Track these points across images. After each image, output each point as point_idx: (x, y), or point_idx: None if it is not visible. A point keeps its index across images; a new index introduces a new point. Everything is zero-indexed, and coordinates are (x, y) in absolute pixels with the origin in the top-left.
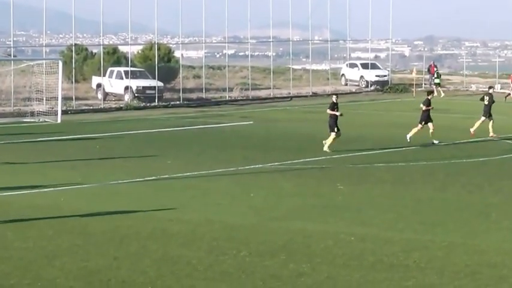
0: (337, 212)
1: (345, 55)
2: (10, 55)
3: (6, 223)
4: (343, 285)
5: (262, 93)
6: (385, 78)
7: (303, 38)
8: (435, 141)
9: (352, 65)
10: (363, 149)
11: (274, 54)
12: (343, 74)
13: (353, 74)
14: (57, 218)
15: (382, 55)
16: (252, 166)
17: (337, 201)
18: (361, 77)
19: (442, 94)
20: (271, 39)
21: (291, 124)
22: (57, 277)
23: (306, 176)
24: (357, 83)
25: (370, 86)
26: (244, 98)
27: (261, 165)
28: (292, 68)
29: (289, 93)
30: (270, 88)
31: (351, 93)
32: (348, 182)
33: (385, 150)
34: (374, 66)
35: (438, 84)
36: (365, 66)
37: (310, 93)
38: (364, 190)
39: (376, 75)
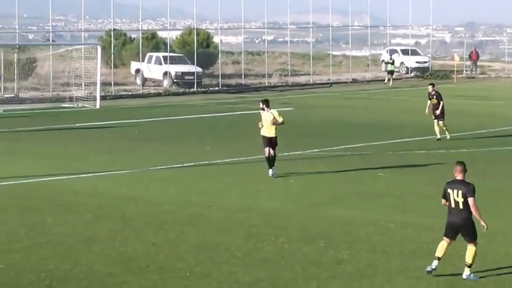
0: (377, 199)
1: (385, 41)
2: (49, 40)
3: (46, 208)
4: (383, 272)
5: (302, 79)
6: (426, 65)
7: (342, 24)
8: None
9: (393, 51)
10: (403, 135)
11: (313, 40)
12: (383, 60)
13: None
14: (96, 203)
15: (423, 41)
16: (291, 152)
17: (376, 188)
18: (402, 63)
19: (390, 83)
20: (310, 25)
21: (330, 110)
22: (95, 262)
23: (346, 162)
24: (397, 70)
25: (411, 73)
26: (284, 84)
27: (300, 152)
28: (332, 54)
29: (329, 80)
30: (309, 74)
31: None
32: (388, 169)
33: (425, 137)
34: (414, 53)
35: (391, 72)
36: (405, 52)
37: (350, 80)
38: (404, 177)
39: (417, 62)
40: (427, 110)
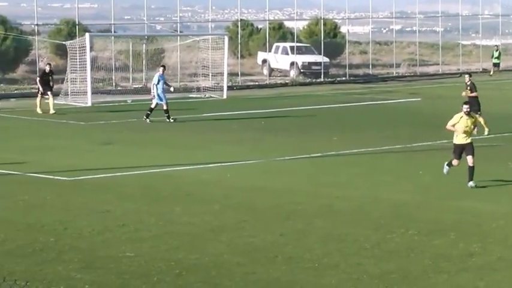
0: (509, 191)
1: None
2: (176, 31)
3: (174, 198)
4: None
5: (431, 69)
6: None
7: (472, 13)
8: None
9: None
10: None
11: (442, 29)
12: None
13: None
14: (223, 193)
15: None
16: (420, 143)
17: (508, 179)
18: None
19: (491, 72)
20: (439, 14)
21: (459, 101)
22: (224, 252)
23: (477, 154)
24: None
25: None
26: (412, 74)
27: (429, 143)
28: (462, 44)
29: (459, 70)
30: (438, 64)
31: None
32: None
33: None
34: None
35: (496, 65)
36: None
37: (480, 70)
38: None
39: None
40: (463, 94)
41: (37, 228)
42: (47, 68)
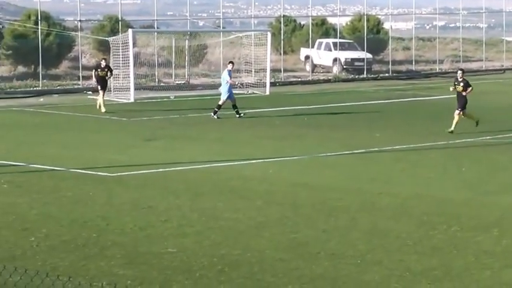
0: None
1: None
2: (219, 27)
3: (216, 194)
4: None
5: (474, 66)
6: None
7: None
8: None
9: None
10: None
11: (486, 25)
12: None
13: None
14: (266, 189)
15: None
16: (463, 140)
17: None
18: None
19: None
20: (483, 10)
21: (503, 97)
22: (266, 248)
23: None
24: None
25: None
26: (455, 70)
27: (472, 139)
28: (505, 40)
29: (502, 66)
30: (481, 60)
31: None
32: None
33: None
34: None
35: None
36: None
37: None
38: None
39: None
40: (451, 89)
41: (80, 224)
42: (102, 63)
